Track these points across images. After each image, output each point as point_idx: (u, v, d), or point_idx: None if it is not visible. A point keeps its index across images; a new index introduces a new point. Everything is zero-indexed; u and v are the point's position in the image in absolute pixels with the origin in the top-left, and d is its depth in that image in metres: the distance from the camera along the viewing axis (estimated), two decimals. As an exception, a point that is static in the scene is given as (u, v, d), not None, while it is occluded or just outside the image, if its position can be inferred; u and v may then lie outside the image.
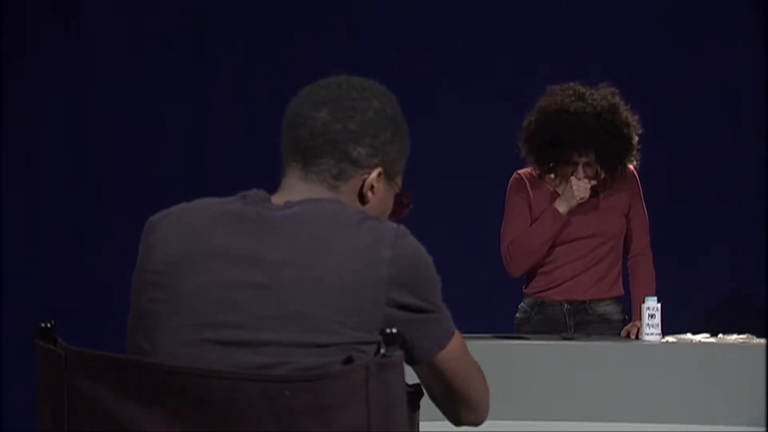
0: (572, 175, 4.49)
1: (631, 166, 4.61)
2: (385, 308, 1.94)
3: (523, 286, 4.69)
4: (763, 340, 4.19)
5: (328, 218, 1.97)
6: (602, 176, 4.54)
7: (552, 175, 4.59)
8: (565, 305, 4.59)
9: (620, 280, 4.65)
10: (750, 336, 4.30)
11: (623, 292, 4.64)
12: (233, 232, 1.97)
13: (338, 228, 1.96)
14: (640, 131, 4.54)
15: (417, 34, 6.00)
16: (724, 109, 5.82)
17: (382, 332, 1.91)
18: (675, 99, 5.84)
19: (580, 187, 4.48)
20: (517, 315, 4.70)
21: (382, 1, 6.05)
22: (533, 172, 4.62)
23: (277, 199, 2.05)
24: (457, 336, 2.09)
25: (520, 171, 4.66)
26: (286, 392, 1.83)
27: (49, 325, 1.96)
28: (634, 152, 4.54)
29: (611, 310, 4.61)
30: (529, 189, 4.61)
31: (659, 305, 4.29)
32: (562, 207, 4.51)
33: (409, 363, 2.03)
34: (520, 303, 4.71)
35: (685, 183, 5.85)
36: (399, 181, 2.15)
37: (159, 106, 6.12)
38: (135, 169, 6.09)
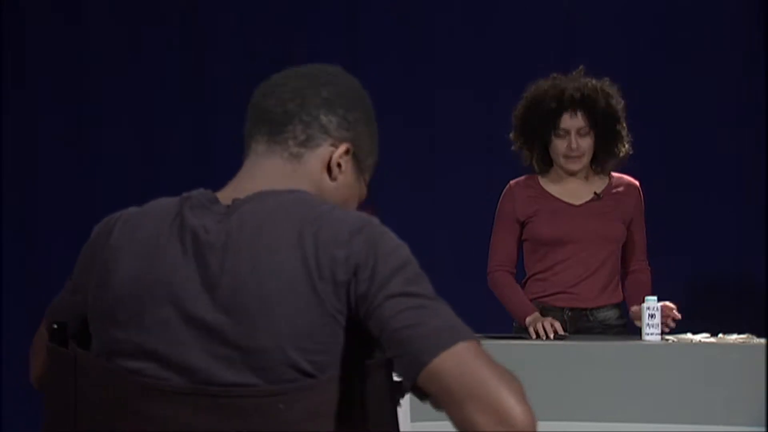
0: (568, 145, 4.46)
1: (636, 182, 4.61)
2: (345, 305, 1.81)
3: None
4: (763, 340, 4.19)
5: (278, 221, 1.85)
6: (596, 149, 4.51)
7: (544, 170, 4.57)
8: (567, 312, 4.57)
9: (619, 286, 4.63)
10: (750, 336, 4.30)
11: (622, 298, 4.63)
12: (182, 254, 1.86)
13: (290, 231, 1.83)
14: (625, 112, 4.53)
15: (417, 34, 6.00)
16: (724, 109, 5.81)
17: (372, 336, 1.82)
18: (675, 99, 5.83)
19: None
20: (517, 316, 4.69)
21: (382, 1, 6.05)
22: (526, 180, 4.60)
23: (227, 193, 1.94)
24: (472, 344, 1.88)
25: (512, 182, 4.64)
26: (281, 405, 1.79)
27: (59, 327, 1.93)
28: (625, 132, 4.52)
29: (611, 315, 4.59)
30: (517, 201, 4.58)
31: (659, 305, 4.29)
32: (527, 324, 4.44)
33: (404, 374, 1.84)
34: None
35: (684, 183, 5.84)
36: (367, 177, 2.04)
37: (159, 106, 6.12)
38: (135, 169, 6.09)
